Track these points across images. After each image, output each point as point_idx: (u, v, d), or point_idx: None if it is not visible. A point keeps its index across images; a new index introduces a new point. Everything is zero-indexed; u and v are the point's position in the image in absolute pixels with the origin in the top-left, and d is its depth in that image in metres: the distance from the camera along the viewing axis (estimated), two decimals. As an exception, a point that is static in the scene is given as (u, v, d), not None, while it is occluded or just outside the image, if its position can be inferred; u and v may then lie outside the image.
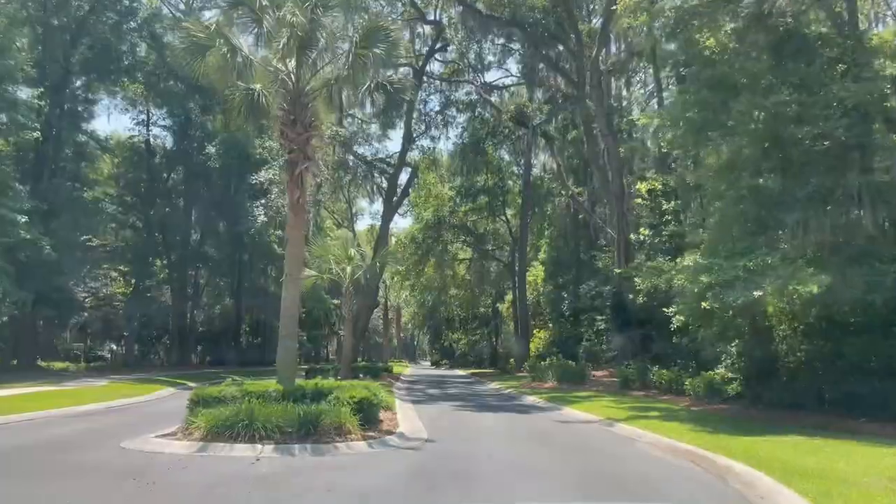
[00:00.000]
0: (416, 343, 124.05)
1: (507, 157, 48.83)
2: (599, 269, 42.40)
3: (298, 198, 13.09)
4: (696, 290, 13.64)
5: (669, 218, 29.27)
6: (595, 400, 20.57)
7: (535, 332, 50.17)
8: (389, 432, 11.62)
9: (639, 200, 31.01)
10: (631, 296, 25.91)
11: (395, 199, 37.97)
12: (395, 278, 50.18)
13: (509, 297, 57.39)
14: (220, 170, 34.57)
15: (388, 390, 23.41)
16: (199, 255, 41.39)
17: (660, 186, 29.92)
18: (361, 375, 29.34)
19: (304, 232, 15.16)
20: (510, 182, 49.60)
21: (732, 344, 18.12)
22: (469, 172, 44.30)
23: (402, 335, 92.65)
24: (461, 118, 42.14)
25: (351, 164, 32.10)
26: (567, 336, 47.83)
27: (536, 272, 54.09)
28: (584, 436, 12.98)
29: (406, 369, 58.07)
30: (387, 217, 35.60)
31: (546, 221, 49.89)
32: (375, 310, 57.03)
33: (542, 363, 40.51)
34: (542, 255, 55.21)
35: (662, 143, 20.13)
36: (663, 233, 29.15)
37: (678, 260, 18.78)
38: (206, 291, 46.87)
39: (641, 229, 30.67)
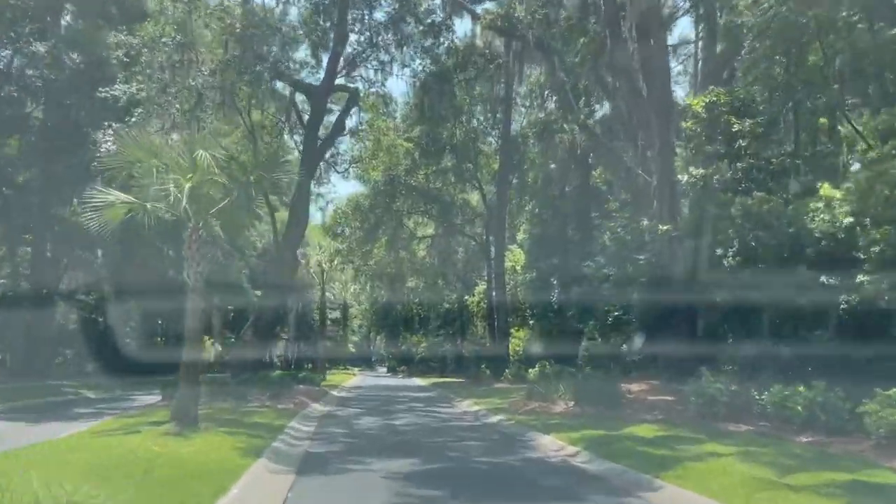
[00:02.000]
0: (372, 347, 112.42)
1: (481, 111, 38.04)
2: (606, 242, 31.82)
3: None
4: None
5: (744, 144, 18.74)
6: (704, 455, 9.65)
7: (512, 330, 39.49)
8: None
9: (689, 124, 20.36)
10: (722, 253, 15.22)
11: (321, 132, 26.34)
12: (336, 261, 38.78)
13: (480, 288, 46.52)
14: (61, 84, 22.74)
15: (270, 428, 12.15)
16: (49, 220, 29.25)
17: (726, 99, 19.39)
18: (259, 394, 18.02)
19: None
20: (485, 143, 38.73)
21: None
22: (432, 117, 33.23)
23: (351, 337, 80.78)
24: (422, 41, 31.04)
25: (251, 67, 20.58)
26: (557, 334, 37.23)
27: (515, 257, 43.41)
28: None
29: (351, 378, 46.66)
30: (309, 163, 24.10)
31: (528, 194, 39.11)
32: (310, 306, 45.50)
33: (531, 371, 29.82)
34: (521, 237, 44.57)
35: None
36: (738, 165, 18.65)
37: None
38: (67, 273, 34.74)
39: (691, 169, 20.03)
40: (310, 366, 71.54)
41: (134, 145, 11.45)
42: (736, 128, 18.73)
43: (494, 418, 16.46)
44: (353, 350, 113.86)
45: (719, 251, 15.18)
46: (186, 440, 9.51)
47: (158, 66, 20.85)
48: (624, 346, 25.30)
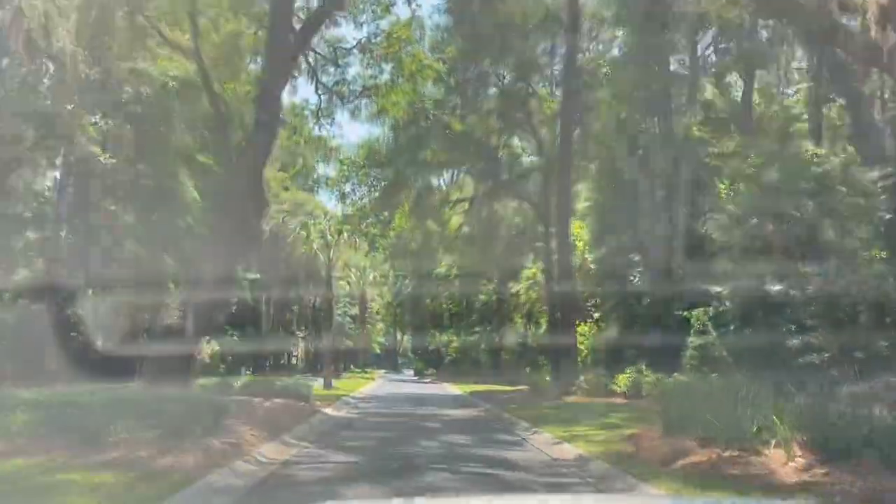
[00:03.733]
0: (397, 347, 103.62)
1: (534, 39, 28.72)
2: (723, 195, 22.33)
3: None
4: None
5: None
6: None
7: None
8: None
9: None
10: None
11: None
12: (345, 232, 29.67)
13: (529, 271, 37.15)
14: None
15: None
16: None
17: None
18: (137, 428, 8.89)
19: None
20: (540, 74, 29.41)
21: None
22: (473, 26, 24.19)
23: (376, 338, 71.78)
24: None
25: None
26: (641, 328, 27.76)
27: (574, 231, 33.97)
28: None
29: (367, 384, 37.66)
30: (281, 45, 14.78)
31: (593, 149, 29.60)
32: (314, 294, 36.57)
33: (621, 378, 20.68)
34: (583, 205, 35.10)
35: None
36: None
37: None
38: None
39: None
40: (332, 368, 62.39)
41: None
42: None
43: (650, 497, 7.08)
44: (378, 351, 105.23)
45: None
46: None
47: None
48: (795, 339, 15.66)
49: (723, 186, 21.94)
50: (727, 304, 21.59)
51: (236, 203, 13.38)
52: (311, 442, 10.95)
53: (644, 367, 20.86)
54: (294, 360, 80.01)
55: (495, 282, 43.18)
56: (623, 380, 20.50)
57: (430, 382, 48.65)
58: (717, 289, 21.43)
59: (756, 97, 31.65)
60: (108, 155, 21.47)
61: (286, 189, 59.28)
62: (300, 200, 53.66)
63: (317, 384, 29.63)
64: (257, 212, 14.07)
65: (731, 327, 21.90)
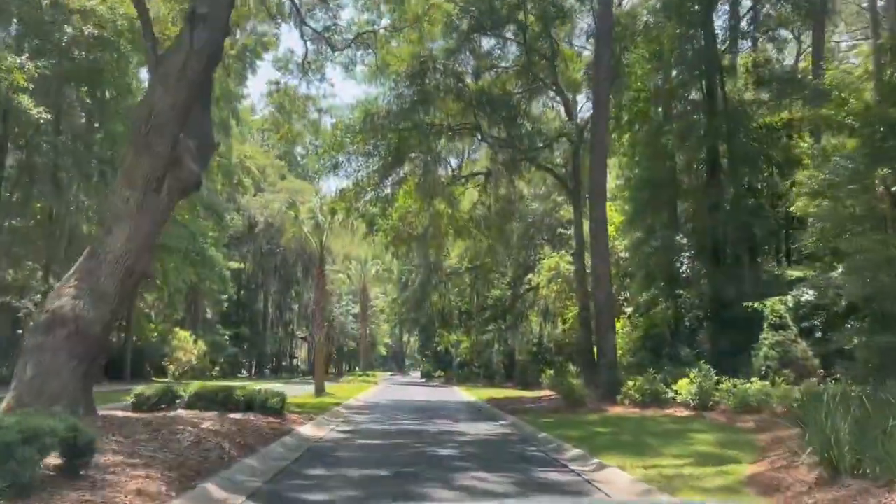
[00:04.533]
0: (404, 348, 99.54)
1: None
2: (805, 152, 17.98)
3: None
4: None
5: None
6: None
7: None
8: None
9: None
10: None
11: None
12: (339, 211, 25.42)
13: (551, 261, 32.89)
14: None
15: None
16: None
17: None
18: None
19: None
20: (565, 28, 25.17)
21: None
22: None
23: (367, 334, 67.43)
24: None
25: None
26: (692, 326, 23.66)
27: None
28: None
29: (368, 389, 33.45)
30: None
31: (635, 106, 25.30)
32: (306, 290, 32.39)
33: (681, 384, 16.61)
34: (613, 184, 30.88)
35: None
36: None
37: None
38: None
39: None
40: (334, 370, 58.12)
41: None
42: None
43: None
44: (384, 352, 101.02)
45: None
46: None
47: None
48: None
49: (805, 145, 17.65)
50: (810, 293, 17.40)
51: (161, 136, 9.17)
52: (250, 494, 6.71)
53: (709, 370, 16.61)
54: (296, 362, 75.92)
55: (509, 276, 39.05)
56: (684, 386, 16.23)
57: (438, 386, 44.60)
58: (802, 274, 17.16)
59: (805, 62, 27.42)
60: (42, 109, 17.35)
61: (283, 178, 55.38)
62: (297, 188, 49.70)
63: (309, 390, 25.59)
64: (196, 151, 9.84)
65: (817, 321, 17.74)
